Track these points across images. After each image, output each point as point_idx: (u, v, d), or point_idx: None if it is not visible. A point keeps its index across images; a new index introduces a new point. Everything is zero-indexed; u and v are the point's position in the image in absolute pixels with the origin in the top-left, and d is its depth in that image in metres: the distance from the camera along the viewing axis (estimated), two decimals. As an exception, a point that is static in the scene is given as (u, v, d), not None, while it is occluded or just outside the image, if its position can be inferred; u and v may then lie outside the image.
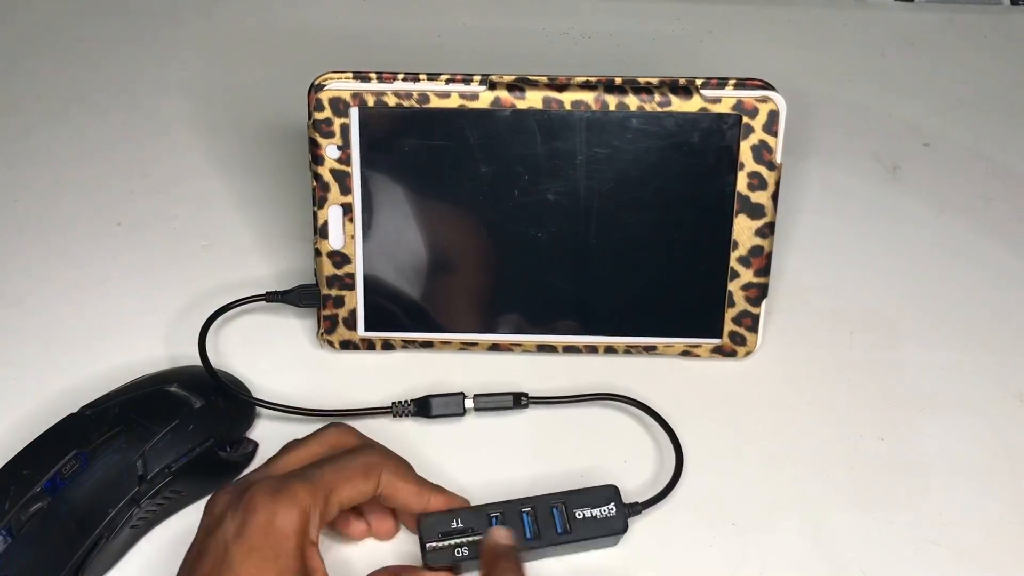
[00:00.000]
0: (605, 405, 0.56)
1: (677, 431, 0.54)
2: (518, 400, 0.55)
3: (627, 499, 0.50)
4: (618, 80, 0.54)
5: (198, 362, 0.55)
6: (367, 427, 0.53)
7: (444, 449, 0.54)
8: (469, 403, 0.55)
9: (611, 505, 0.49)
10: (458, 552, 0.47)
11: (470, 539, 0.47)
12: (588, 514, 0.49)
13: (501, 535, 0.47)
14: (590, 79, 0.54)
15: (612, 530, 0.49)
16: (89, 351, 0.58)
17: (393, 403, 0.55)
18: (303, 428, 0.52)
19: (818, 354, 0.59)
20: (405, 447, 0.51)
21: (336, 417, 0.54)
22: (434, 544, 0.47)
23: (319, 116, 0.54)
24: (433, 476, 0.50)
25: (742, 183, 0.55)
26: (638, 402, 0.55)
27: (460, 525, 0.48)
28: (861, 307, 0.62)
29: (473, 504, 0.49)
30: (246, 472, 0.52)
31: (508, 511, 0.48)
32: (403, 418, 0.55)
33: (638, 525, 0.51)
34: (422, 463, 0.51)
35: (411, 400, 0.55)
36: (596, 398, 0.56)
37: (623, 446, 0.55)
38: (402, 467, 0.48)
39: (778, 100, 0.53)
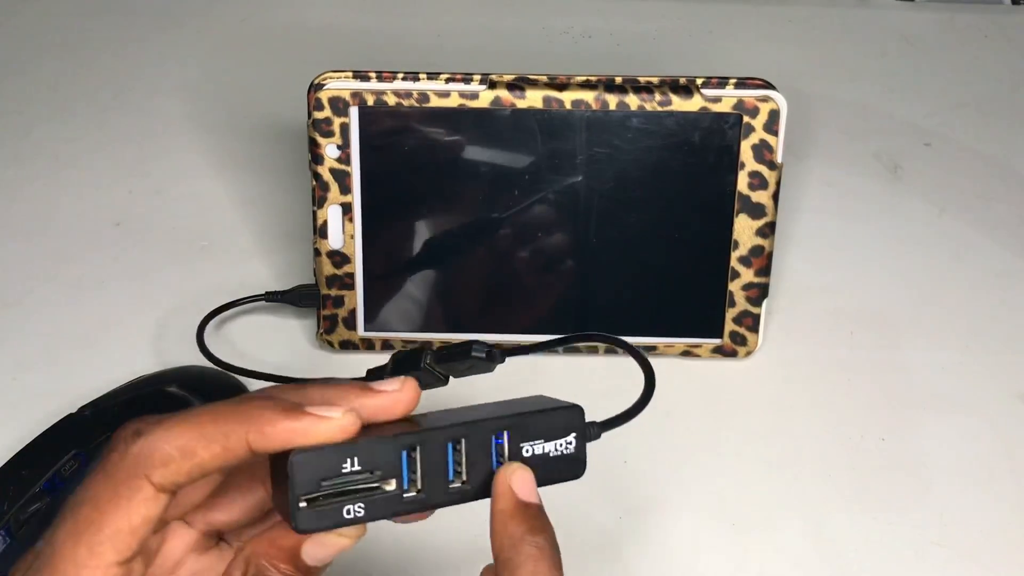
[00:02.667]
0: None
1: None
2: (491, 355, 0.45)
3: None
4: (618, 79, 0.54)
5: (197, 362, 0.55)
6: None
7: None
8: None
9: (571, 437, 0.37)
10: (350, 510, 0.33)
11: (370, 490, 0.33)
12: (539, 450, 0.36)
13: (522, 481, 0.35)
14: (590, 78, 0.54)
15: (568, 474, 0.37)
16: (88, 351, 0.58)
17: (368, 370, 0.51)
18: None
19: (818, 354, 0.59)
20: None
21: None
22: (312, 497, 0.33)
23: (319, 115, 0.54)
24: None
25: (743, 183, 0.55)
26: (611, 337, 0.45)
27: (356, 467, 0.33)
28: (861, 307, 0.61)
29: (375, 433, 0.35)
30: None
31: (428, 442, 0.34)
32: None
33: (638, 526, 0.51)
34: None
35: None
36: (568, 341, 0.47)
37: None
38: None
39: (779, 99, 0.53)
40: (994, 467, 0.54)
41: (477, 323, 0.58)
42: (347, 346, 0.58)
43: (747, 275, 0.56)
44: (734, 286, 0.56)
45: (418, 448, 0.34)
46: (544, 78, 0.54)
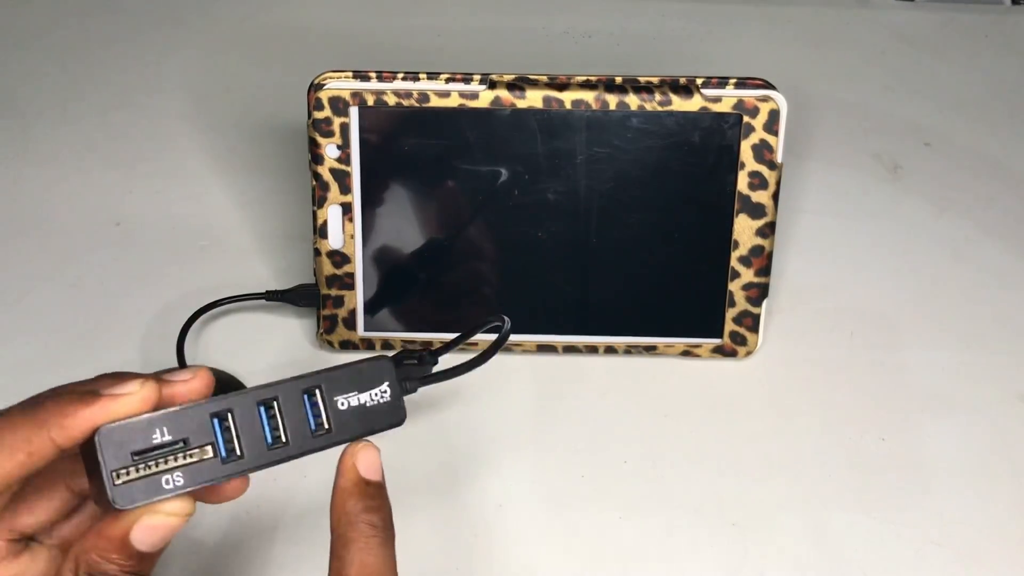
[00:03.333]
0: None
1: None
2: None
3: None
4: (618, 79, 0.54)
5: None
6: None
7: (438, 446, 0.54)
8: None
9: (384, 386, 0.37)
10: (168, 480, 0.33)
11: (186, 458, 0.33)
12: (355, 402, 0.37)
13: (368, 460, 0.36)
14: (590, 78, 0.54)
15: (389, 422, 0.37)
16: (88, 351, 0.58)
17: None
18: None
19: (818, 354, 0.59)
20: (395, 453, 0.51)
21: None
22: (126, 470, 0.33)
23: (319, 115, 0.54)
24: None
25: (743, 182, 0.55)
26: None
27: (167, 437, 0.33)
28: (861, 307, 0.61)
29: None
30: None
31: (238, 406, 0.35)
32: None
33: (638, 526, 0.51)
34: (422, 466, 0.50)
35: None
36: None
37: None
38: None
39: (779, 99, 0.53)
40: (994, 467, 0.54)
41: (477, 323, 0.57)
42: (347, 346, 0.58)
43: (747, 275, 0.56)
44: (734, 286, 0.56)
45: (230, 413, 0.34)
46: (544, 78, 0.54)
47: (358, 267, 0.56)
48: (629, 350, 0.58)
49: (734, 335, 0.57)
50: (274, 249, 0.64)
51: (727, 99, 0.53)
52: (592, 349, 0.58)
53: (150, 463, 0.33)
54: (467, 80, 0.54)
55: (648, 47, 0.80)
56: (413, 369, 0.39)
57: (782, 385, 0.57)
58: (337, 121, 0.54)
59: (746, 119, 0.54)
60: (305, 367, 0.57)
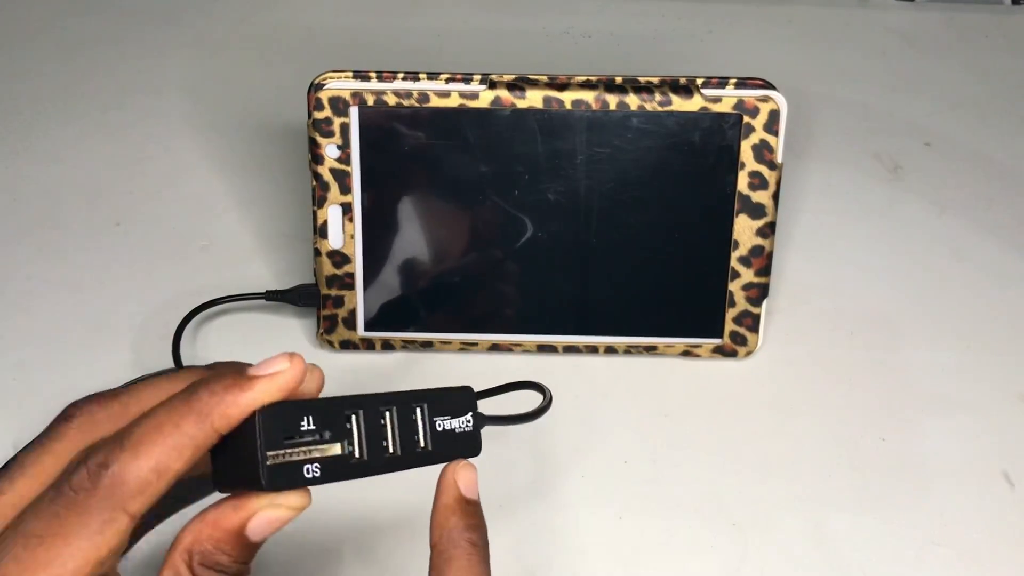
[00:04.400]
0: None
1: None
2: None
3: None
4: (618, 79, 0.54)
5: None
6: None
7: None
8: None
9: (467, 416, 0.39)
10: (308, 470, 0.34)
11: (322, 451, 0.35)
12: (448, 426, 0.38)
13: (467, 478, 0.37)
14: (590, 78, 0.54)
15: (465, 450, 0.39)
16: (88, 351, 0.58)
17: None
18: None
19: (818, 354, 0.59)
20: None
21: None
22: (278, 454, 0.33)
23: (319, 115, 0.54)
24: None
25: (743, 183, 0.55)
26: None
27: (311, 425, 0.34)
28: (861, 307, 0.61)
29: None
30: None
31: (368, 410, 0.36)
32: None
33: (638, 526, 0.51)
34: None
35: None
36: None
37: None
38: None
39: (779, 99, 0.53)
40: (994, 467, 0.54)
41: (477, 323, 0.58)
42: (347, 346, 0.58)
43: (747, 275, 0.56)
44: (734, 286, 0.56)
45: (360, 413, 0.35)
46: (544, 78, 0.54)
47: (358, 267, 0.56)
48: (629, 350, 0.58)
49: (734, 335, 0.57)
50: (274, 249, 0.64)
51: (727, 99, 0.53)
52: (592, 349, 0.58)
53: (297, 450, 0.34)
54: (467, 80, 0.54)
55: (648, 47, 0.80)
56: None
57: (782, 385, 0.57)
58: (337, 121, 0.54)
59: (746, 119, 0.54)
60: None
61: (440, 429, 0.37)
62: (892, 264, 0.64)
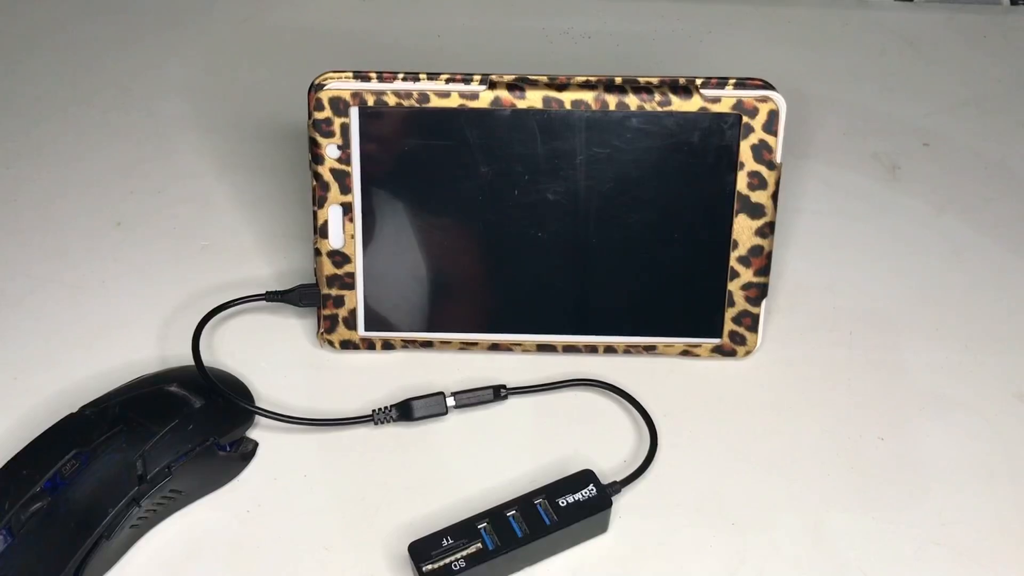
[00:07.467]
0: (581, 390, 0.56)
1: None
2: (498, 392, 0.55)
3: (607, 479, 0.51)
4: (618, 80, 0.54)
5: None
6: (349, 437, 0.53)
7: (429, 452, 0.54)
8: (451, 401, 0.55)
9: (590, 487, 0.50)
10: (456, 566, 0.47)
11: (465, 552, 0.47)
12: (571, 499, 0.49)
13: None
14: (590, 79, 0.54)
15: (596, 508, 0.49)
16: (89, 351, 0.58)
17: (374, 411, 0.54)
18: (301, 430, 0.52)
19: (818, 354, 0.59)
20: (388, 456, 0.52)
21: (317, 426, 0.54)
22: (430, 567, 0.47)
23: (319, 116, 0.54)
24: (421, 482, 0.50)
25: (742, 183, 0.55)
26: (611, 385, 0.56)
27: (451, 542, 0.48)
28: (861, 307, 0.62)
29: (458, 519, 0.49)
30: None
31: (494, 517, 0.49)
32: (385, 424, 0.54)
33: (637, 526, 0.51)
34: (409, 470, 0.52)
35: (392, 405, 0.54)
36: (571, 384, 0.56)
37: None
38: None
39: (778, 100, 0.53)
40: (994, 467, 0.54)
41: (477, 323, 0.58)
42: (347, 346, 0.58)
43: (746, 275, 0.56)
44: (733, 286, 0.56)
45: (488, 521, 0.48)
46: (544, 78, 0.54)
47: (358, 267, 0.56)
48: (629, 350, 0.58)
49: (733, 335, 0.57)
50: (274, 249, 0.64)
51: (726, 99, 0.53)
52: (592, 349, 0.58)
53: (445, 558, 0.47)
54: (467, 80, 0.54)
55: (648, 47, 0.80)
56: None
57: (782, 385, 0.57)
58: (337, 121, 0.54)
59: (745, 119, 0.54)
60: (306, 367, 0.57)
61: (564, 504, 0.49)
62: (891, 264, 0.64)
